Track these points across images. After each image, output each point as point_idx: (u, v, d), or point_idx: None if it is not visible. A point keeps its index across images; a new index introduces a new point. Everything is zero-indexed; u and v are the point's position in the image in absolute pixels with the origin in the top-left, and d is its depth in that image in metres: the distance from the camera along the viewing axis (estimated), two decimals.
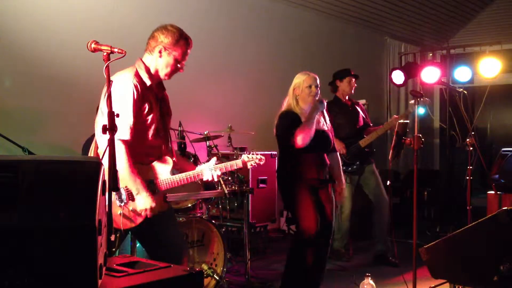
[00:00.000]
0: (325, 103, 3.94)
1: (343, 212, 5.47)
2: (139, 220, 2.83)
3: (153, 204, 2.80)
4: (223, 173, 3.38)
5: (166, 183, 2.93)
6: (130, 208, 2.80)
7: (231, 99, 6.65)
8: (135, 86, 2.79)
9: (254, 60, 6.98)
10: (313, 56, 7.51)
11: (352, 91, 5.49)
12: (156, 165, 2.92)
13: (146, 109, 2.84)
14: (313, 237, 3.79)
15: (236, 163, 3.20)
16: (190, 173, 3.01)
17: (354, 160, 5.34)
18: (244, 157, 3.22)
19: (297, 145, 3.79)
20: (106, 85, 2.44)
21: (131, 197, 2.80)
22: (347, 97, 5.51)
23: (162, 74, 2.93)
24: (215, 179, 3.10)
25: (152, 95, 2.90)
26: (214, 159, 3.12)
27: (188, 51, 2.96)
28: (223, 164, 3.13)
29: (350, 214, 5.49)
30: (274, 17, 7.25)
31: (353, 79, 5.48)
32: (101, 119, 2.72)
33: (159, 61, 2.90)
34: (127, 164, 2.71)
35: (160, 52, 2.88)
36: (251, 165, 3.24)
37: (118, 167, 2.49)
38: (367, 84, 5.81)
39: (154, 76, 2.93)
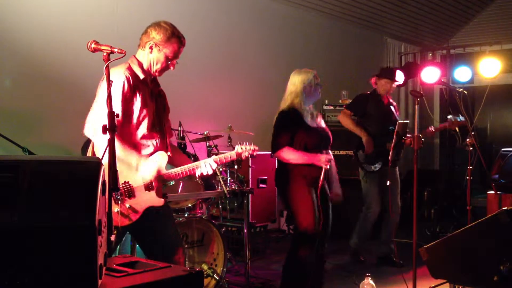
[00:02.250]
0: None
1: (371, 213, 5.27)
2: (136, 217, 2.85)
3: (158, 165, 2.84)
4: (219, 166, 3.38)
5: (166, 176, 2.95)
6: (127, 205, 2.82)
7: (231, 99, 6.65)
8: (127, 78, 2.81)
9: (254, 60, 6.99)
10: (313, 56, 7.51)
11: (387, 93, 5.38)
12: (150, 160, 2.94)
13: (140, 102, 2.86)
14: (312, 234, 3.79)
15: (230, 155, 3.21)
16: (186, 167, 3.03)
17: (376, 160, 5.19)
18: (238, 148, 3.25)
19: (277, 154, 3.80)
20: (106, 84, 2.44)
21: (127, 194, 2.82)
22: (386, 96, 5.40)
23: (152, 70, 2.95)
24: (210, 172, 3.09)
25: (146, 89, 2.93)
26: (209, 159, 3.15)
27: (181, 49, 2.96)
28: (217, 156, 3.15)
29: (376, 217, 5.29)
30: (274, 17, 7.25)
31: (389, 83, 5.35)
32: (94, 114, 2.77)
33: (149, 57, 2.91)
34: (118, 144, 2.69)
35: (151, 48, 2.90)
36: (245, 156, 3.25)
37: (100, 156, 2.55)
38: (367, 84, 5.81)
39: (147, 71, 2.95)
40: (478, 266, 3.13)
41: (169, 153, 3.03)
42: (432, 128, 5.33)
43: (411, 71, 6.60)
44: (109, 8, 5.36)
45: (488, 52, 7.10)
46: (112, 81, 2.47)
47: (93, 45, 2.48)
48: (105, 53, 2.46)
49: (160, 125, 3.01)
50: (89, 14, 5.19)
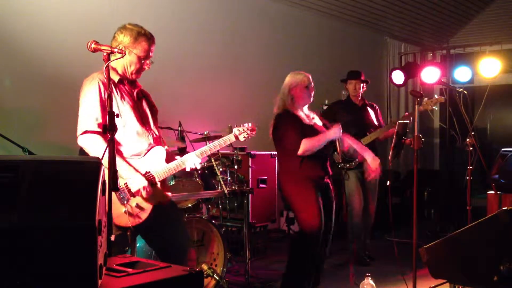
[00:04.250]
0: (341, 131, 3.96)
1: (353, 208, 5.39)
2: (145, 215, 2.85)
3: (146, 183, 2.82)
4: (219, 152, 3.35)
5: (162, 173, 2.96)
6: (133, 204, 2.82)
7: (231, 99, 6.64)
8: (101, 81, 2.83)
9: (254, 60, 6.98)
10: (313, 56, 7.51)
11: (357, 93, 5.50)
12: (149, 156, 2.96)
13: (119, 101, 2.88)
14: (316, 236, 3.80)
15: (229, 138, 3.22)
16: (183, 159, 3.02)
17: (353, 157, 5.29)
18: (235, 130, 3.25)
19: (300, 152, 3.80)
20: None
21: (131, 193, 2.82)
22: (359, 98, 5.55)
23: (128, 73, 2.96)
24: (198, 166, 3.08)
25: (124, 89, 2.95)
26: (193, 152, 3.14)
27: (152, 47, 2.97)
28: (216, 141, 3.15)
29: (361, 212, 5.39)
30: (274, 17, 7.24)
31: (354, 82, 5.49)
32: (85, 119, 2.80)
33: (122, 62, 2.92)
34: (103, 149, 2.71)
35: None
36: (244, 137, 3.25)
37: (94, 153, 2.65)
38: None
39: (123, 75, 2.96)
40: (478, 266, 3.13)
41: (166, 147, 3.05)
42: (407, 113, 5.42)
43: (411, 71, 6.59)
44: (109, 8, 5.35)
45: (488, 52, 7.08)
46: (112, 82, 2.50)
47: (93, 45, 2.50)
48: (105, 53, 2.48)
49: (149, 123, 3.03)
50: (89, 14, 5.19)
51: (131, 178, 2.82)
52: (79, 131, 2.82)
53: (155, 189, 2.90)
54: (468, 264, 3.19)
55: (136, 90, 3.02)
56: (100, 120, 2.79)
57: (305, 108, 4.03)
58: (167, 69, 5.51)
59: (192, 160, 3.02)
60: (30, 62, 4.76)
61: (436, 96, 5.09)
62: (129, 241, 2.91)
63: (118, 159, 2.74)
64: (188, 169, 3.04)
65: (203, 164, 4.51)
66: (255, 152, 6.08)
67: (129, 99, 2.95)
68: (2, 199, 1.74)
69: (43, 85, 4.85)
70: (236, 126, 3.25)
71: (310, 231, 3.79)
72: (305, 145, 3.79)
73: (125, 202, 2.81)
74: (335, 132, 3.87)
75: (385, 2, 7.90)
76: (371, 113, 5.54)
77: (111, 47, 2.49)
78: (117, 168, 2.68)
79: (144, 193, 2.83)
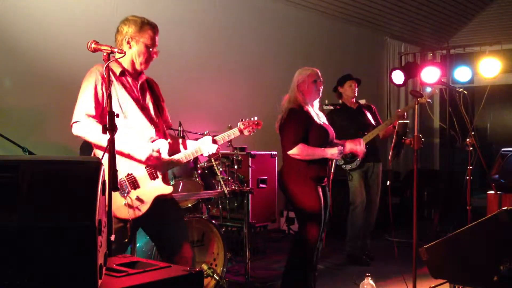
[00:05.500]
0: (342, 152, 3.94)
1: (355, 207, 5.37)
2: (145, 208, 2.85)
3: (151, 148, 2.84)
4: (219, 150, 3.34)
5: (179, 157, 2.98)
6: (134, 197, 2.82)
7: (231, 99, 6.65)
8: (101, 75, 2.82)
9: (254, 60, 6.99)
10: (313, 56, 7.51)
11: (355, 94, 5.51)
12: None
13: (118, 93, 2.86)
14: (317, 235, 3.80)
15: (234, 133, 3.20)
16: (189, 152, 3.02)
17: (354, 157, 5.29)
18: (240, 124, 3.23)
19: (291, 152, 3.79)
20: (106, 85, 2.46)
21: (132, 185, 2.82)
22: (354, 101, 5.55)
23: (137, 64, 2.95)
24: (214, 151, 3.07)
25: (127, 84, 2.93)
26: (209, 137, 3.12)
27: (156, 35, 2.98)
28: (220, 135, 3.14)
29: (363, 212, 5.39)
30: (274, 17, 7.25)
31: (353, 83, 5.49)
32: (77, 111, 2.82)
33: (130, 53, 2.91)
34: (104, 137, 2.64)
35: (128, 42, 2.91)
36: (249, 131, 3.23)
37: (96, 140, 2.68)
38: (367, 84, 5.82)
39: (129, 69, 2.95)
40: (478, 266, 3.13)
41: (169, 140, 3.04)
42: (399, 110, 5.43)
43: (411, 71, 6.59)
44: (109, 8, 5.36)
45: (488, 52, 7.08)
46: (112, 81, 2.49)
47: (93, 45, 2.50)
48: (105, 53, 2.47)
49: (153, 115, 3.01)
50: (89, 14, 5.19)
51: (137, 149, 2.83)
52: (71, 122, 2.83)
53: (156, 182, 2.90)
54: (468, 264, 3.19)
55: (140, 82, 3.00)
56: (92, 113, 2.79)
57: (316, 105, 4.02)
58: (167, 69, 5.51)
59: (209, 146, 3.02)
60: (30, 62, 4.76)
61: (429, 89, 5.08)
62: (128, 234, 2.90)
63: (119, 140, 2.70)
64: (205, 154, 3.04)
65: (203, 164, 4.52)
66: (255, 152, 6.08)
67: (131, 92, 2.93)
68: (2, 199, 1.74)
69: (43, 85, 4.85)
70: (241, 121, 3.24)
71: (311, 231, 3.79)
72: (300, 150, 3.78)
73: (126, 194, 2.81)
74: (333, 155, 3.86)
75: (385, 2, 7.90)
76: (368, 114, 5.55)
77: (111, 47, 2.49)
78: (119, 145, 2.68)
79: (155, 155, 2.85)
